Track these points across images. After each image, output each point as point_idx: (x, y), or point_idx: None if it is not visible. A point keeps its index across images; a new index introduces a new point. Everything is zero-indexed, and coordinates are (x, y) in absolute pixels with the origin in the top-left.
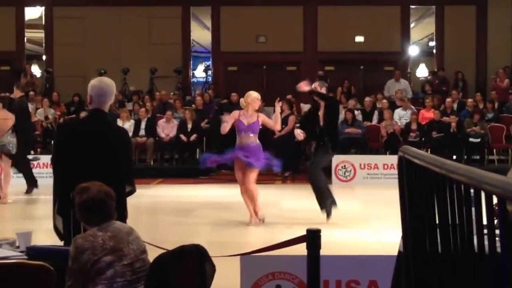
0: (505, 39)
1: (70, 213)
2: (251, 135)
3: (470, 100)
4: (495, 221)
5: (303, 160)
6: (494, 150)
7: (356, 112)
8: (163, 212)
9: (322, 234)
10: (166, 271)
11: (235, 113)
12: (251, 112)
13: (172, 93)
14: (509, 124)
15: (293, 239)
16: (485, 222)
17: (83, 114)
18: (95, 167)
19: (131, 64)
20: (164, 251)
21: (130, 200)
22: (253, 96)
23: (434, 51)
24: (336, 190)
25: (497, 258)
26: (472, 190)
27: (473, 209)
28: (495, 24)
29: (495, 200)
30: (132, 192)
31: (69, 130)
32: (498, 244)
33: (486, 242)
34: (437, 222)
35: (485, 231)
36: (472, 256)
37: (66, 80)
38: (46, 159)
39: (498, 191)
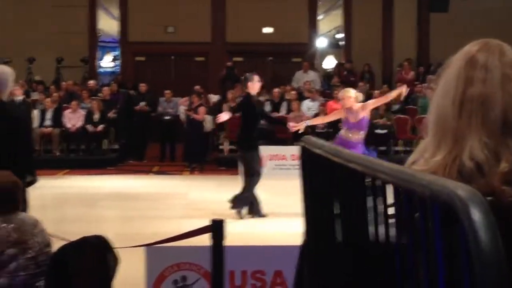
0: (410, 32)
1: None
2: None
3: (377, 91)
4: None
5: (211, 151)
6: (400, 141)
7: (264, 103)
8: (69, 203)
9: (227, 224)
10: (67, 262)
11: None
12: None
13: (79, 83)
14: (414, 116)
15: (197, 229)
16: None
17: None
18: None
19: (36, 53)
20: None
21: (35, 191)
22: None
23: (342, 43)
24: None
25: (391, 247)
26: (368, 179)
27: (369, 198)
28: (401, 17)
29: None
30: (33, 182)
31: None
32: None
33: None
34: (336, 211)
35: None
36: (368, 245)
37: None
38: None
39: (391, 179)
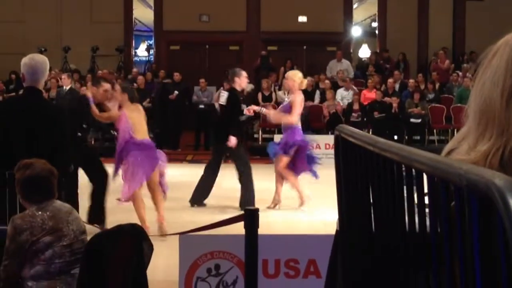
0: (446, 20)
1: (6, 192)
2: None
3: (411, 80)
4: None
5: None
6: (435, 131)
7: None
8: None
9: (261, 213)
10: (102, 250)
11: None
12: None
13: (114, 71)
14: (449, 105)
15: (231, 218)
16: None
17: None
18: (30, 144)
19: (72, 42)
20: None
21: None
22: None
23: (377, 31)
24: None
25: (427, 237)
26: (403, 169)
27: (405, 187)
28: (437, 5)
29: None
30: (67, 170)
31: (4, 108)
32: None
33: (417, 220)
34: (371, 200)
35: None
36: (402, 234)
37: (5, 57)
38: None
39: (426, 168)
